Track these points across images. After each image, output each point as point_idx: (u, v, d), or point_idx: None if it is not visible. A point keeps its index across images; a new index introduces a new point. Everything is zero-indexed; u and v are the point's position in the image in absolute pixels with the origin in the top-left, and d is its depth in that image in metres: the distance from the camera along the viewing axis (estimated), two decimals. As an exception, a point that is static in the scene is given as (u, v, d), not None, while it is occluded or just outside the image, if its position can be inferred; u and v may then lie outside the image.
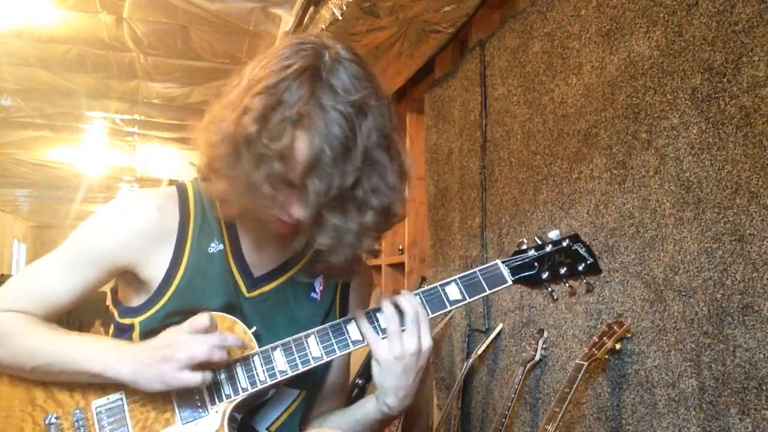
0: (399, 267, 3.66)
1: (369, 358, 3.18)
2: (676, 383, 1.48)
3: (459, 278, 1.09)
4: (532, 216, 2.12)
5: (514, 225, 2.24)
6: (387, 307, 1.06)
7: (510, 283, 1.09)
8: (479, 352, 2.34)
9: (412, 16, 2.51)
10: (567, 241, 1.12)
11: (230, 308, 1.10)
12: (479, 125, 2.50)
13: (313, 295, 1.19)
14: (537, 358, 1.98)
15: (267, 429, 1.17)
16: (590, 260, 1.11)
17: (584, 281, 1.12)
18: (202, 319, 1.01)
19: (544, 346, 1.99)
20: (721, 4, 1.40)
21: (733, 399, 1.33)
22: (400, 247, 3.67)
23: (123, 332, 1.12)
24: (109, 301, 1.21)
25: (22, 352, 1.05)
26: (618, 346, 1.61)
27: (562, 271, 1.10)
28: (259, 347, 1.07)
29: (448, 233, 2.78)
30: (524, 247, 1.12)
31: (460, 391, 2.47)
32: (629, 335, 1.62)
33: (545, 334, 1.99)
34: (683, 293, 1.47)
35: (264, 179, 0.93)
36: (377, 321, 1.07)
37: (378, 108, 0.97)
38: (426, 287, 1.09)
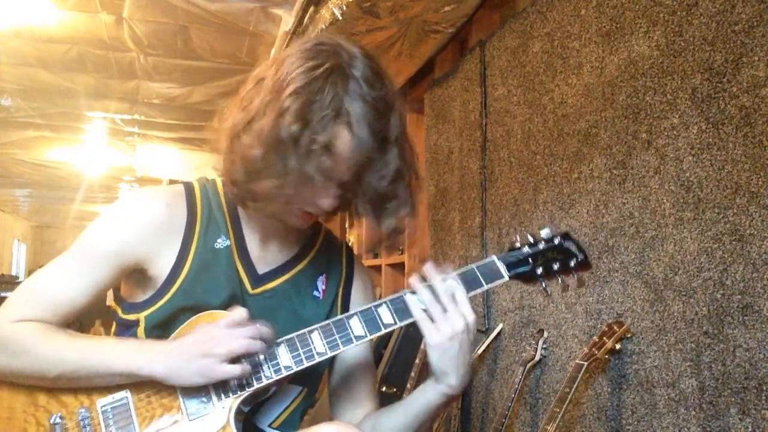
0: (399, 267, 3.66)
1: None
2: (676, 383, 1.48)
3: (457, 274, 1.10)
4: (532, 216, 2.12)
5: (514, 225, 2.24)
6: (423, 292, 1.07)
7: (506, 278, 1.11)
8: (479, 352, 2.34)
9: (412, 16, 2.51)
10: (558, 238, 1.15)
11: (233, 304, 1.10)
12: (479, 125, 2.50)
13: (315, 293, 1.20)
14: (537, 358, 1.98)
15: (269, 426, 1.17)
16: (581, 256, 1.15)
17: (576, 276, 1.16)
18: (239, 313, 1.04)
19: (544, 346, 1.99)
20: (721, 4, 1.40)
21: (733, 399, 1.33)
22: (400, 247, 3.67)
23: (127, 328, 1.12)
24: (109, 300, 1.21)
25: (44, 360, 1.04)
26: (618, 346, 1.61)
27: (555, 267, 1.14)
28: None
29: (448, 233, 2.78)
30: (517, 245, 1.15)
31: (460, 391, 2.47)
32: (629, 335, 1.62)
33: (545, 334, 1.99)
34: (683, 293, 1.47)
35: (315, 171, 0.98)
36: (378, 316, 1.08)
37: (396, 103, 1.05)
38: (426, 283, 1.09)
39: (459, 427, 2.51)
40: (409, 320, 1.08)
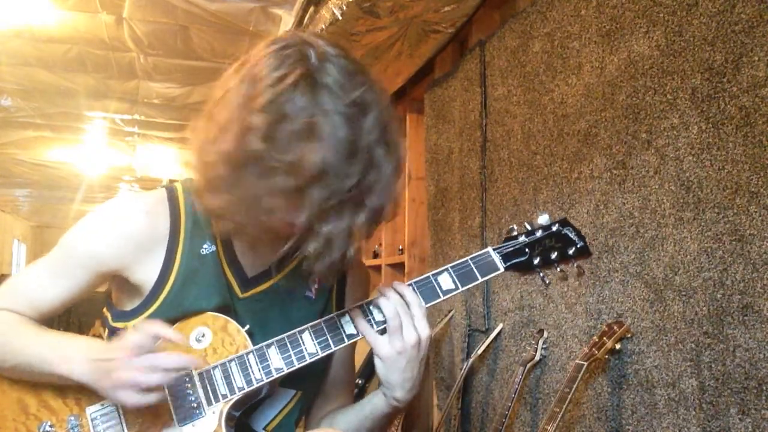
0: (399, 267, 3.66)
1: (370, 356, 3.20)
2: (676, 383, 1.48)
3: (451, 267, 1.08)
4: (532, 216, 2.12)
5: (514, 225, 2.24)
6: (383, 302, 1.05)
7: (502, 270, 1.08)
8: (479, 352, 2.34)
9: (412, 16, 2.51)
10: (556, 225, 1.12)
11: (224, 309, 1.10)
12: (479, 125, 2.50)
13: (308, 293, 1.18)
14: (537, 358, 1.98)
15: (264, 429, 1.17)
16: (580, 243, 1.11)
17: (575, 265, 1.12)
18: (137, 338, 0.97)
19: (544, 346, 1.99)
20: (721, 4, 1.40)
21: (733, 399, 1.33)
22: (400, 247, 3.67)
23: (116, 337, 1.10)
24: (104, 306, 1.20)
25: (3, 349, 1.05)
26: (618, 346, 1.61)
27: (553, 255, 1.10)
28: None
29: (448, 233, 2.78)
30: (515, 233, 1.12)
31: (460, 391, 2.47)
32: (629, 335, 1.62)
33: (545, 334, 1.99)
34: (683, 293, 1.47)
35: (270, 193, 0.90)
36: (371, 314, 1.07)
37: (376, 102, 0.94)
38: (418, 277, 1.08)
39: (459, 427, 2.51)
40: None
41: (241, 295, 1.13)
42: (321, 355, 1.05)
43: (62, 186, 8.57)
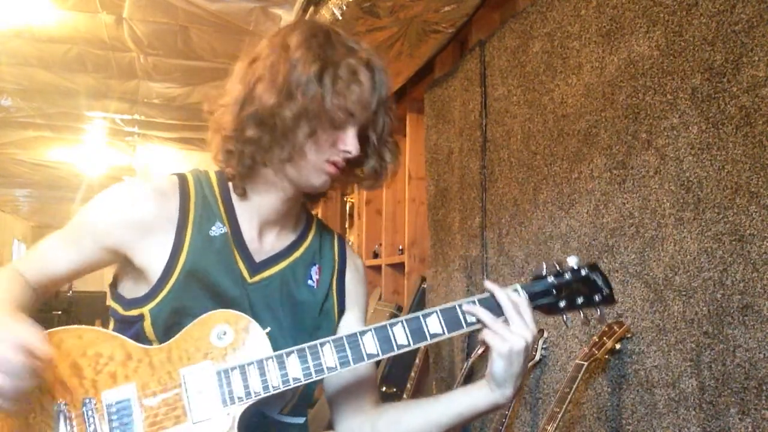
0: (399, 267, 3.66)
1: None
2: (676, 383, 1.48)
3: (477, 300, 1.09)
4: (532, 216, 2.12)
5: (514, 225, 2.24)
6: (504, 302, 1.07)
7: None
8: (479, 352, 2.34)
9: (412, 16, 2.51)
10: (585, 270, 1.13)
11: (235, 294, 1.11)
12: (479, 125, 2.50)
13: (309, 282, 1.21)
14: (537, 358, 1.98)
15: (279, 413, 1.17)
16: (606, 291, 1.13)
17: (599, 311, 1.13)
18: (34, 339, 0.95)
19: (544, 346, 1.99)
20: (721, 4, 1.40)
21: (733, 399, 1.33)
22: (400, 247, 3.67)
23: (131, 325, 1.11)
24: (109, 300, 1.21)
25: None
26: (618, 346, 1.61)
27: (579, 300, 1.12)
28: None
29: (448, 233, 2.78)
30: (543, 272, 1.13)
31: (460, 391, 2.47)
32: (629, 335, 1.62)
33: (545, 334, 1.99)
34: (683, 293, 1.47)
35: (346, 103, 1.06)
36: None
37: None
38: (443, 306, 1.09)
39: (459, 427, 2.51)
40: (422, 343, 1.08)
41: (249, 280, 1.15)
42: (339, 370, 1.06)
43: (62, 186, 8.56)
